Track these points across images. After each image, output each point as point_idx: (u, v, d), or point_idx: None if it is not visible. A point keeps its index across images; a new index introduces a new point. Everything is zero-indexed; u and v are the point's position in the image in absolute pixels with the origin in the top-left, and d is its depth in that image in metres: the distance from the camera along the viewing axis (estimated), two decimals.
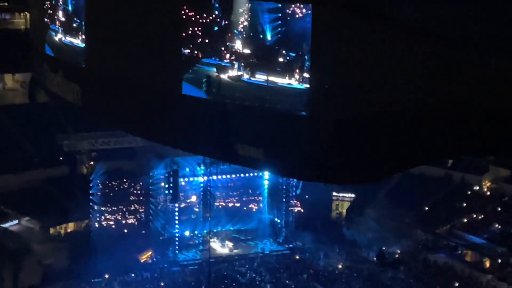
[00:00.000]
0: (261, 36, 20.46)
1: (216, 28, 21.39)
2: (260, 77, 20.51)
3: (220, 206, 57.17)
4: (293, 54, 19.91)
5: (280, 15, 19.96)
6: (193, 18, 21.48)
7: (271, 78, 20.23)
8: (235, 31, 21.01)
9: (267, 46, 20.51)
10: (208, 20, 21.45)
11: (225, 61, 21.08)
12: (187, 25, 21.47)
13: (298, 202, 58.86)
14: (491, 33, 15.87)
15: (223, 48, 21.15)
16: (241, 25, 20.89)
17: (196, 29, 21.54)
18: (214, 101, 20.83)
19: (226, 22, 21.21)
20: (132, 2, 23.25)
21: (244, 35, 20.90)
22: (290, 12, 19.72)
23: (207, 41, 21.53)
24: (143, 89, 22.90)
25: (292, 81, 19.80)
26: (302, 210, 59.48)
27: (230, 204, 57.77)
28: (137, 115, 24.00)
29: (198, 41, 21.56)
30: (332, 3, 17.75)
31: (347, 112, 17.76)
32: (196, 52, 21.59)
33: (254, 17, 20.64)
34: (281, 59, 20.16)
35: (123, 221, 54.51)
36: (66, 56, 27.07)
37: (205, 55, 21.46)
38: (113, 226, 54.18)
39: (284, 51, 20.09)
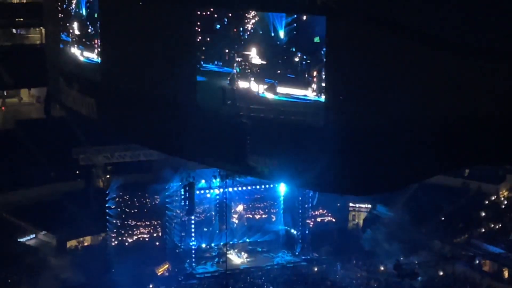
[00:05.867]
0: (273, 35, 18.55)
1: (218, 26, 19.45)
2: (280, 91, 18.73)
3: (236, 218, 57.18)
4: (310, 58, 18.21)
5: None
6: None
7: (284, 90, 18.72)
8: (241, 28, 19.13)
9: (279, 46, 18.64)
10: (207, 14, 19.39)
11: (233, 67, 19.40)
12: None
13: (330, 213, 59.08)
14: (510, 42, 15.76)
15: (227, 50, 19.46)
16: (249, 21, 19.05)
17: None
18: (229, 113, 20.54)
19: (230, 15, 19.17)
20: (145, 12, 22.96)
21: (252, 33, 18.92)
22: None
23: (208, 39, 19.57)
24: (158, 101, 22.83)
25: (308, 92, 18.46)
26: (333, 220, 59.51)
27: (247, 216, 57.75)
28: (152, 128, 23.97)
29: (198, 39, 19.70)
30: (347, 15, 17.48)
31: (362, 123, 17.64)
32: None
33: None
34: (295, 63, 18.48)
35: (140, 234, 54.56)
36: (81, 70, 27.12)
37: (206, 57, 19.76)
38: (130, 239, 54.24)
39: (299, 54, 18.53)
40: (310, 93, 18.57)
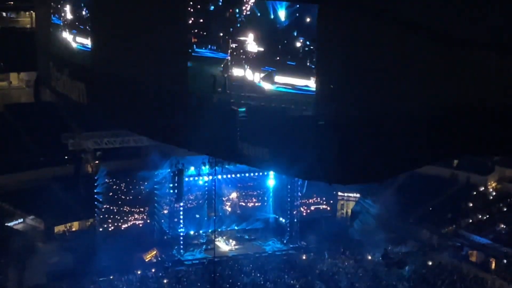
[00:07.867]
0: (272, 17, 16.87)
1: (212, 8, 17.96)
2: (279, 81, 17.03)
3: (229, 206, 57.19)
4: (314, 43, 16.38)
5: None
6: None
7: (283, 79, 17.15)
8: (237, 9, 17.68)
9: (279, 30, 16.96)
10: None
11: (227, 53, 17.89)
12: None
13: (324, 199, 59.13)
14: (495, 33, 15.77)
15: (221, 34, 18.04)
16: (248, 1, 17.48)
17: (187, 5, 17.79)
18: (220, 100, 20.32)
19: None
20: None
21: (250, 16, 17.33)
22: None
23: (201, 20, 18.13)
24: (149, 88, 22.70)
25: (310, 82, 16.85)
26: (328, 208, 59.57)
27: (240, 204, 57.75)
28: (142, 114, 23.85)
29: (190, 21, 18.18)
30: (339, 3, 17.26)
31: (352, 113, 17.57)
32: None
33: None
34: (296, 49, 16.80)
35: (128, 221, 54.49)
36: (72, 55, 26.95)
37: (199, 41, 18.47)
38: (118, 225, 54.16)
39: (301, 39, 16.83)
40: (312, 84, 17.08)
